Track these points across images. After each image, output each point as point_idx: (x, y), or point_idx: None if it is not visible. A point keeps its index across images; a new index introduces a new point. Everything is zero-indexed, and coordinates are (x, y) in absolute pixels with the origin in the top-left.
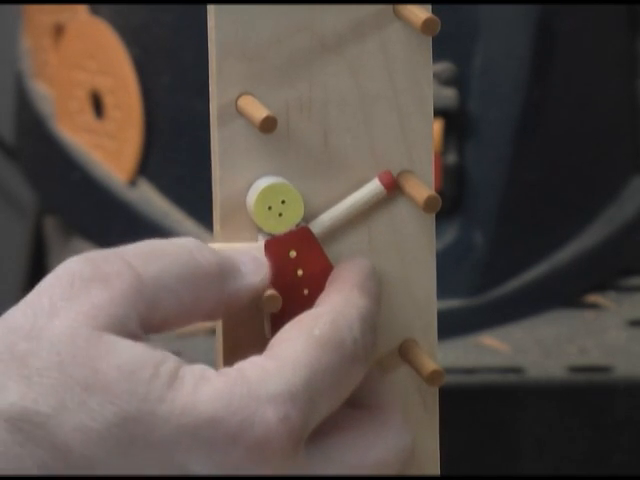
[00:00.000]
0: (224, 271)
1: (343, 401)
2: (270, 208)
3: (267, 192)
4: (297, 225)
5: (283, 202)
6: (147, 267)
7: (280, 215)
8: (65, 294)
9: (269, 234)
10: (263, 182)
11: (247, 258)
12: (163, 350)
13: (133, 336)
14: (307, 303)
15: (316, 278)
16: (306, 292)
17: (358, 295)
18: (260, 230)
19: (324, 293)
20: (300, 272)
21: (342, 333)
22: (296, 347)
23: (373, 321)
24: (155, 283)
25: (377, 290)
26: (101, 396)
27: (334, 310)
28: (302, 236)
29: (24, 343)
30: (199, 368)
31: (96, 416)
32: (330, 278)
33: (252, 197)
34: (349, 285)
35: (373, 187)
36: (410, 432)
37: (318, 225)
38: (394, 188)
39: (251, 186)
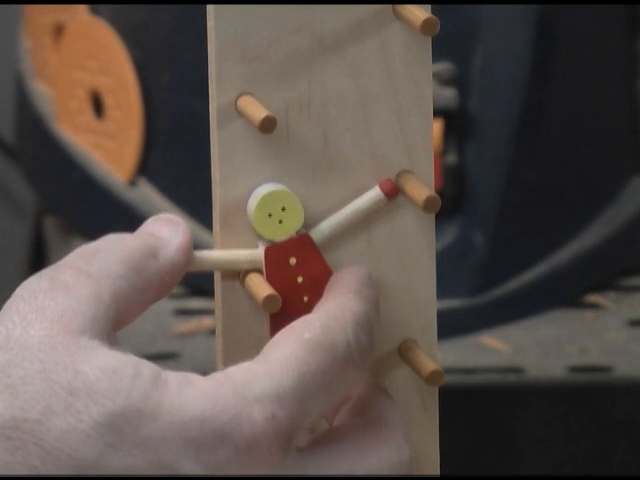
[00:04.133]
0: (152, 245)
1: (337, 403)
2: (270, 215)
3: (267, 199)
4: (297, 232)
5: (283, 209)
6: (92, 265)
7: (280, 222)
8: (32, 307)
9: (269, 241)
10: (263, 189)
11: (161, 225)
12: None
13: (107, 336)
14: (307, 310)
15: (316, 285)
16: (306, 299)
17: (353, 299)
18: (260, 237)
19: (320, 301)
20: (300, 279)
21: (334, 336)
22: (285, 351)
23: (369, 325)
24: (106, 275)
25: (374, 295)
26: (86, 397)
27: (327, 315)
28: (302, 243)
29: (2, 355)
30: (182, 373)
31: (83, 417)
32: (327, 286)
33: (252, 204)
34: (344, 290)
35: (374, 195)
36: (409, 450)
37: (318, 232)
38: (396, 195)
39: (252, 191)
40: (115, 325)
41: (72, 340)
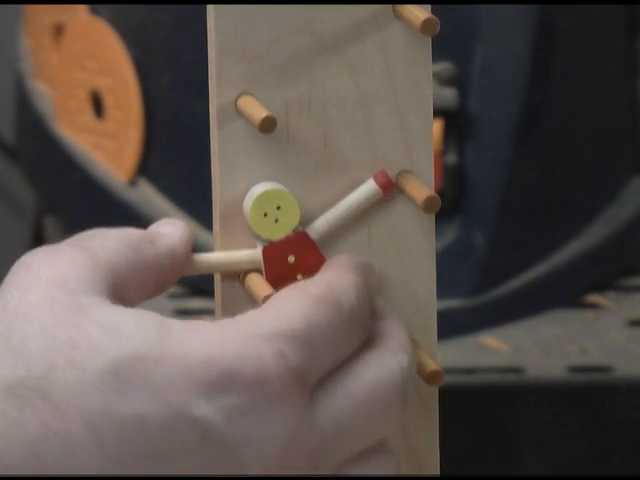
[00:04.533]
0: (150, 235)
1: (341, 360)
2: (266, 215)
3: (261, 199)
4: (294, 230)
5: (278, 208)
6: (89, 242)
7: (276, 221)
8: (28, 276)
9: (267, 240)
10: (257, 189)
11: (161, 223)
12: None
13: (107, 296)
14: None
15: None
16: None
17: (350, 272)
18: (258, 237)
19: (316, 274)
20: (300, 277)
21: (338, 295)
22: (292, 301)
23: (369, 296)
24: (102, 249)
25: (371, 275)
26: (88, 349)
27: (329, 278)
28: (300, 241)
29: (1, 323)
30: (187, 320)
31: (87, 368)
32: (322, 267)
33: (247, 204)
34: (340, 265)
35: (369, 188)
36: (407, 354)
37: (315, 229)
38: (391, 188)
39: (248, 191)
40: (114, 294)
41: (70, 299)
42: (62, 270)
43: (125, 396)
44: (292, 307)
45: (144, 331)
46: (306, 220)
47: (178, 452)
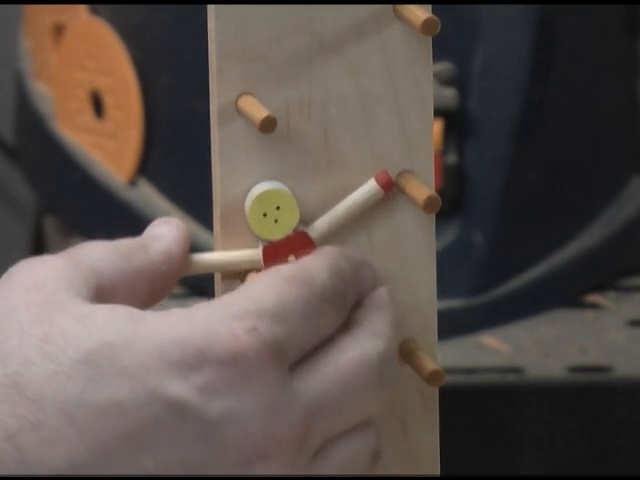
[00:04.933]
0: (142, 241)
1: (320, 340)
2: (265, 215)
3: (260, 199)
4: (295, 229)
5: (278, 208)
6: (75, 251)
7: (276, 221)
8: (10, 285)
9: (267, 240)
10: (257, 189)
11: (157, 223)
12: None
13: (86, 296)
14: None
15: None
16: None
17: (328, 256)
18: (259, 237)
19: None
20: None
21: (310, 273)
22: (263, 282)
23: (348, 280)
24: (86, 256)
25: (367, 268)
26: (61, 342)
27: (302, 260)
28: (300, 241)
29: None
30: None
31: (60, 360)
32: None
33: (247, 205)
34: (320, 251)
35: (370, 188)
36: (384, 339)
37: (316, 229)
38: (392, 187)
39: (249, 191)
40: (98, 299)
41: (47, 298)
42: (41, 274)
43: (99, 383)
44: (263, 287)
45: (116, 321)
46: (306, 219)
47: (157, 433)
